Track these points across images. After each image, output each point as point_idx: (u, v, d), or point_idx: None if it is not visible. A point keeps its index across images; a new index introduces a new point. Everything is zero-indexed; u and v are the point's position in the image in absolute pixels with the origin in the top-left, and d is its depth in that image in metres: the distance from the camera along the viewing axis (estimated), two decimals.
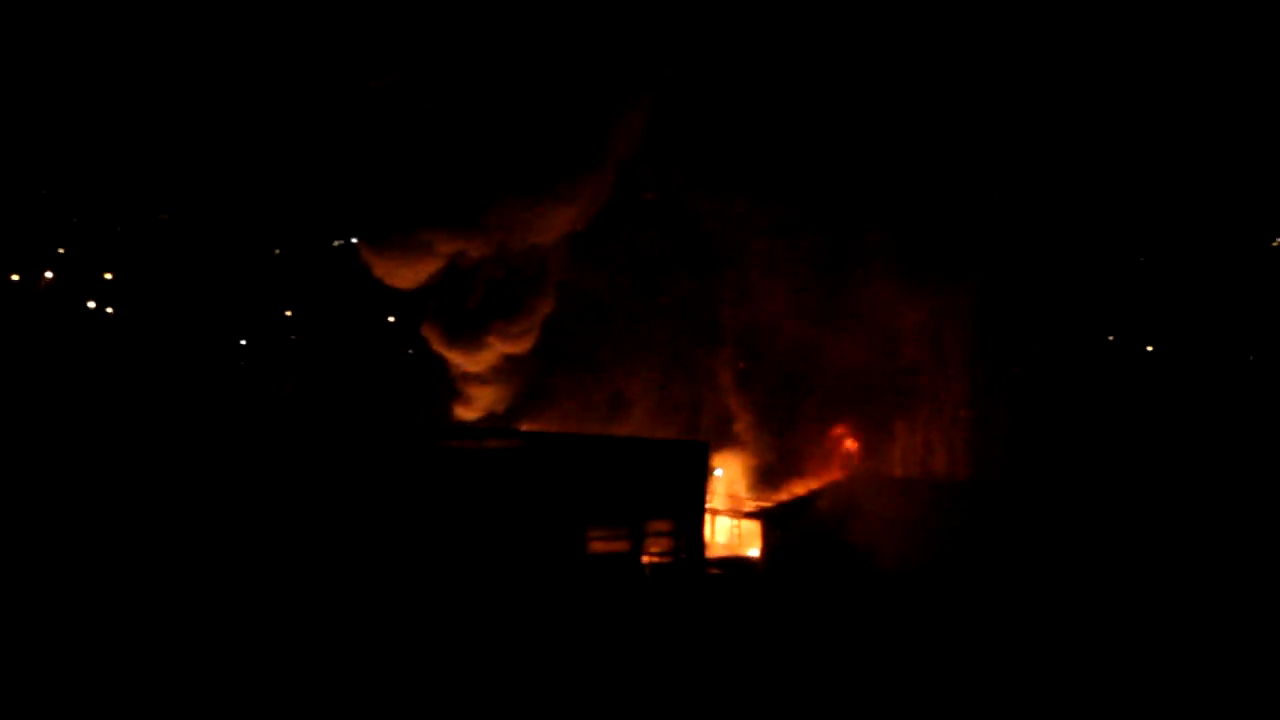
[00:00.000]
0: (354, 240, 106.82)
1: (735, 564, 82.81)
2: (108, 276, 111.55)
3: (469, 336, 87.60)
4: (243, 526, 70.00)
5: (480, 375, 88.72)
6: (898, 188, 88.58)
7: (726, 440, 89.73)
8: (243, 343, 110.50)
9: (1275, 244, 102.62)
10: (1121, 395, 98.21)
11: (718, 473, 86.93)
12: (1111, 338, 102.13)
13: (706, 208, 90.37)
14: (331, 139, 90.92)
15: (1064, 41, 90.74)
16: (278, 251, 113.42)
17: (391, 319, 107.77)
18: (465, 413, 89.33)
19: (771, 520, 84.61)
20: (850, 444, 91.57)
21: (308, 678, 62.16)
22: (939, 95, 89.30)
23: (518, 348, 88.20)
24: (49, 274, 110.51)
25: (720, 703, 62.80)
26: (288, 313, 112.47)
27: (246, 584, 67.80)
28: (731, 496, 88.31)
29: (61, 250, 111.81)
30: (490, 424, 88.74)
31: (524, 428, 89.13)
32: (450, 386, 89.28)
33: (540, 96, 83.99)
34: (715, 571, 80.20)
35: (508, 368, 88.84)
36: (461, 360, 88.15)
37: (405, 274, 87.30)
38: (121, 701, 59.59)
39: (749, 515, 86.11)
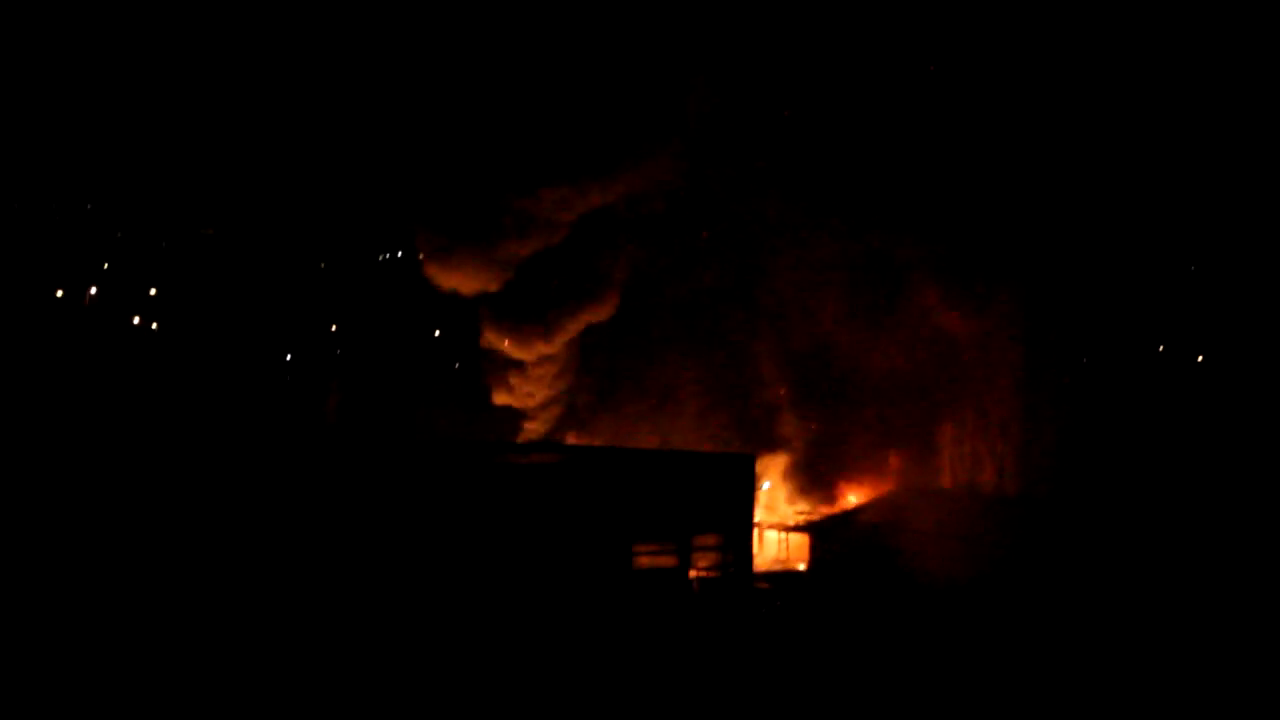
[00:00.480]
0: (400, 253, 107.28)
1: (783, 578, 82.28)
2: (152, 292, 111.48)
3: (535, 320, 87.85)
4: (286, 540, 69.78)
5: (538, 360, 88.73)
6: (946, 193, 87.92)
7: (774, 452, 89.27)
8: (288, 357, 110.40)
9: None
10: (1173, 406, 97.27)
11: (765, 486, 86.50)
12: (1162, 348, 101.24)
13: (752, 214, 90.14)
14: (378, 148, 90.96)
15: (1118, 47, 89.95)
16: (323, 265, 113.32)
17: (438, 333, 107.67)
18: (507, 399, 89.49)
19: (820, 533, 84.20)
20: (898, 457, 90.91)
21: (355, 689, 61.91)
22: (988, 100, 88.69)
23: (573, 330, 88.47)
24: (93, 290, 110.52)
25: (767, 715, 62.08)
26: (333, 326, 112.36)
27: (294, 596, 67.60)
28: (779, 510, 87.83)
29: (105, 266, 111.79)
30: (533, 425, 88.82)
31: (569, 440, 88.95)
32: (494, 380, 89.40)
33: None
34: (763, 585, 79.65)
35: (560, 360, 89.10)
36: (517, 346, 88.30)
37: (473, 282, 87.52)
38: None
39: (797, 529, 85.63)
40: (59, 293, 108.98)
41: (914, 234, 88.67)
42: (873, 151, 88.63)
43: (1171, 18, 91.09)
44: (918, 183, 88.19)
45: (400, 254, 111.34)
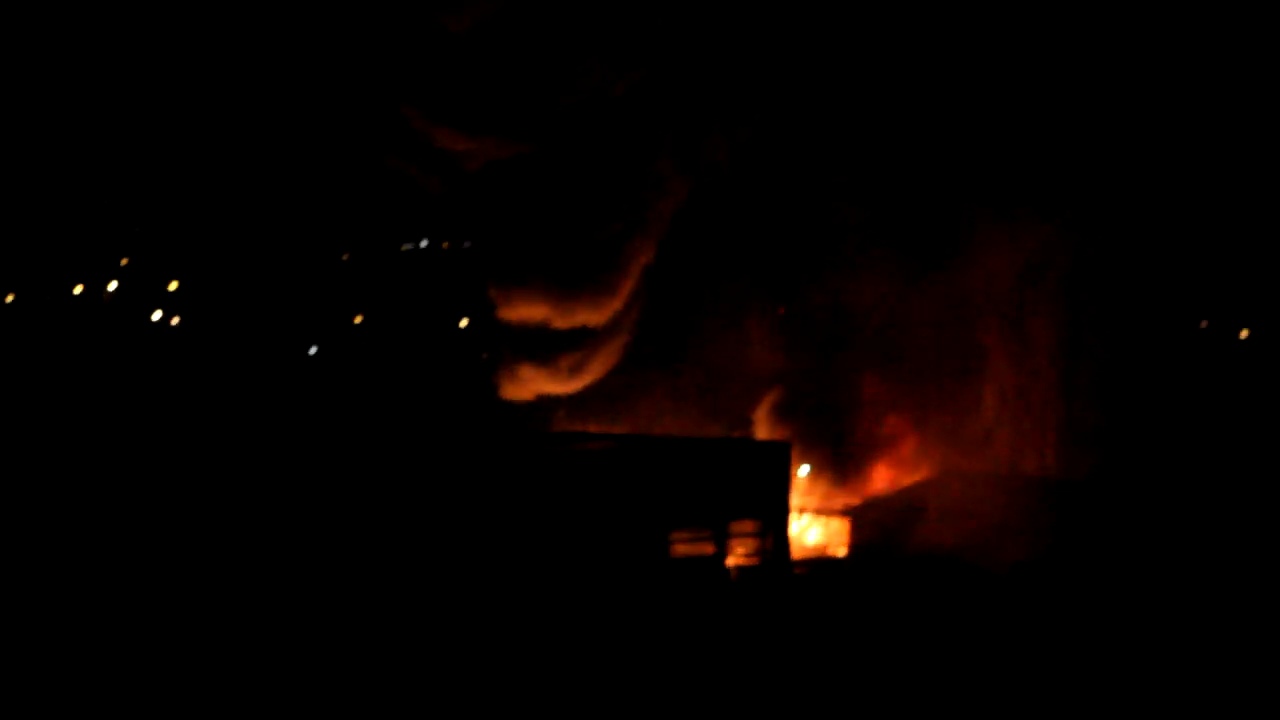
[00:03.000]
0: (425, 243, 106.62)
1: (822, 564, 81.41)
2: (172, 287, 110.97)
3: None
4: (326, 527, 70.20)
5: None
6: (986, 176, 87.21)
7: (812, 438, 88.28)
8: (312, 351, 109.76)
9: None
10: (1216, 384, 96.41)
11: (803, 471, 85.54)
12: (1205, 324, 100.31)
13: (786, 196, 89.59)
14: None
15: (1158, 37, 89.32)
16: (345, 257, 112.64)
17: (464, 322, 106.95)
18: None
19: (858, 519, 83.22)
20: (938, 440, 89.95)
21: (404, 665, 61.83)
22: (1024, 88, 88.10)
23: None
24: (113, 285, 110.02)
25: (807, 704, 61.13)
26: (357, 319, 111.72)
27: (337, 580, 68.09)
28: (818, 495, 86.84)
29: (125, 261, 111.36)
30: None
31: (604, 429, 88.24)
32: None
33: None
34: (801, 572, 78.70)
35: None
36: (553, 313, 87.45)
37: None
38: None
39: (835, 514, 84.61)
40: (78, 289, 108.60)
41: (953, 214, 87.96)
42: (905, 133, 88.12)
43: None
44: (954, 161, 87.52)
45: (424, 244, 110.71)
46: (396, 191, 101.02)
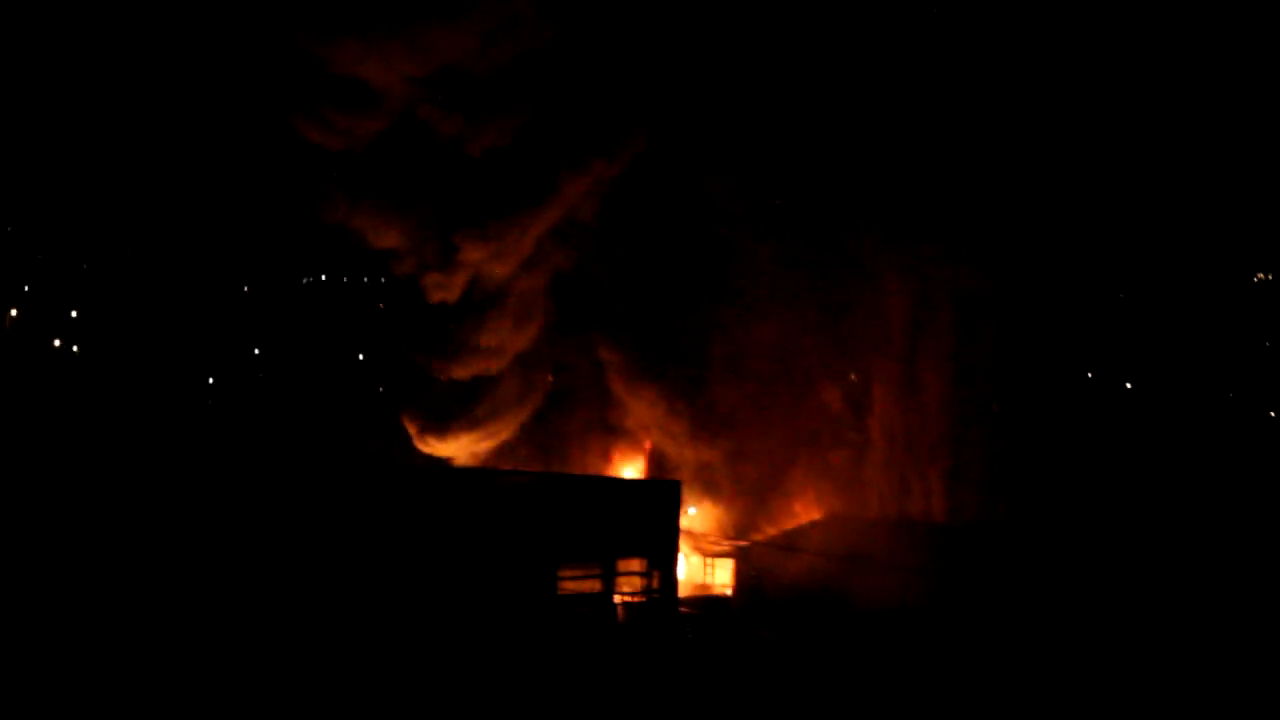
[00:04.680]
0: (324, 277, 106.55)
1: (708, 602, 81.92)
2: (74, 314, 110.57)
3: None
4: (214, 559, 69.32)
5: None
6: (880, 217, 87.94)
7: (699, 479, 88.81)
8: (210, 381, 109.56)
9: (1256, 279, 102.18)
10: (1101, 433, 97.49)
11: (690, 511, 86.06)
12: (1090, 374, 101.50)
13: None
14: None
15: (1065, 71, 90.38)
16: (245, 289, 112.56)
17: (361, 356, 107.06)
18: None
19: (745, 559, 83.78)
20: (826, 484, 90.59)
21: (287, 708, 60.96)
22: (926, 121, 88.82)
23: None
24: (13, 312, 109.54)
25: None
26: (255, 350, 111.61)
27: (220, 612, 66.94)
28: (704, 535, 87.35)
29: (26, 288, 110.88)
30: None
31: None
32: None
33: None
34: (687, 610, 79.18)
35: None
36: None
37: None
38: None
39: (722, 554, 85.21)
40: None
41: (847, 258, 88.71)
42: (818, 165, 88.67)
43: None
44: (853, 198, 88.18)
45: (324, 277, 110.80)
46: (297, 224, 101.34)
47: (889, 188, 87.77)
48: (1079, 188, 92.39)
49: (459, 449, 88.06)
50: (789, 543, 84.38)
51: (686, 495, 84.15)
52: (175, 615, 66.59)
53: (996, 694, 65.40)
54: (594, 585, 74.03)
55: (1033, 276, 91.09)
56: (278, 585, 68.65)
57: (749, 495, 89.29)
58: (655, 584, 75.52)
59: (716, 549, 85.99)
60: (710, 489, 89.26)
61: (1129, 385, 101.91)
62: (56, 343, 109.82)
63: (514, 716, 62.23)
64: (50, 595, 67.14)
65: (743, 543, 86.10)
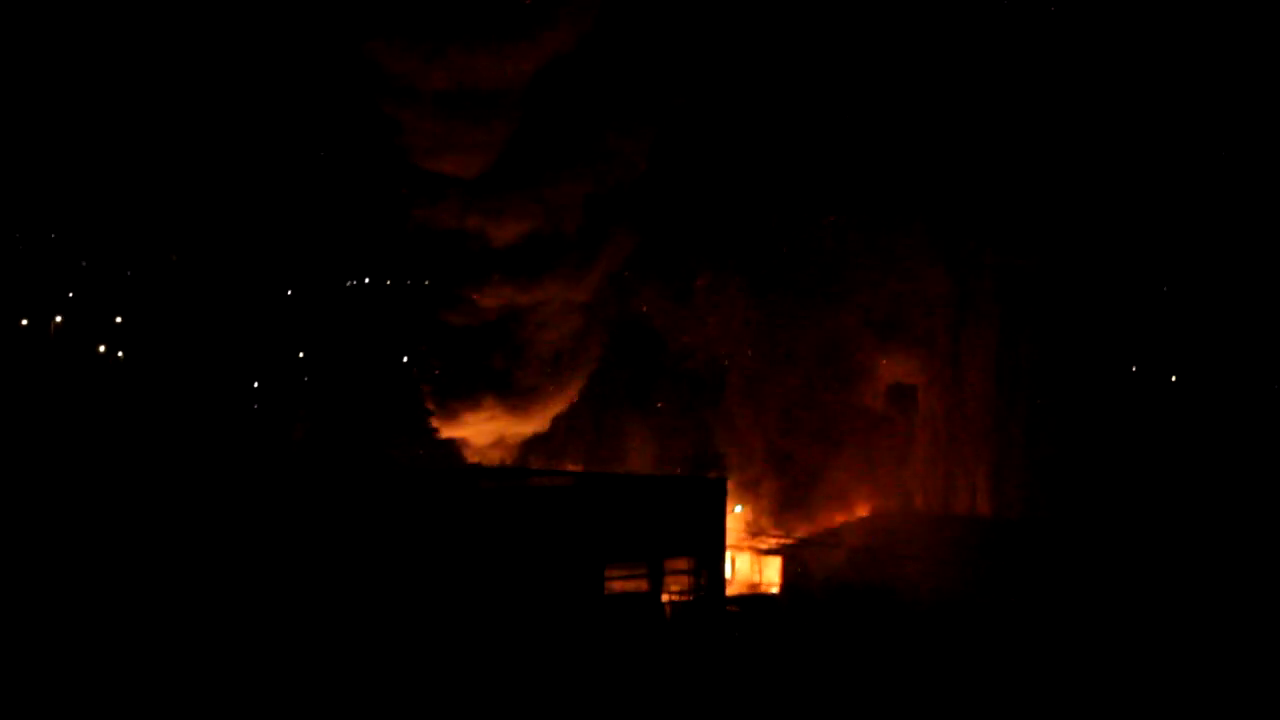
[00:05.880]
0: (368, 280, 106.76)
1: (756, 601, 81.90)
2: (118, 320, 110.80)
3: None
4: (262, 567, 69.30)
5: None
6: (918, 209, 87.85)
7: (747, 476, 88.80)
8: (255, 385, 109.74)
9: None
10: (1146, 427, 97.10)
11: (737, 509, 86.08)
12: (1135, 368, 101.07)
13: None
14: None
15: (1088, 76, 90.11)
16: (290, 292, 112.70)
17: (405, 359, 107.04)
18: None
19: (792, 556, 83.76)
20: (872, 481, 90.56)
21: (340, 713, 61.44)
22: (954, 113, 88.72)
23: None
24: (58, 318, 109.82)
25: None
26: (300, 354, 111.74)
27: (268, 622, 66.94)
28: (752, 533, 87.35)
29: (71, 294, 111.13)
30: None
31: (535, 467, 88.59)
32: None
33: None
34: (735, 609, 79.19)
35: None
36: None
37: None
38: None
39: (769, 552, 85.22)
40: (24, 321, 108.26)
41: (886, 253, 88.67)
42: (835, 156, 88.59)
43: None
44: (887, 190, 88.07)
45: (367, 280, 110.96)
46: (341, 228, 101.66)
47: (935, 183, 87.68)
48: (1125, 185, 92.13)
49: (482, 429, 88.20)
50: (835, 540, 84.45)
51: (732, 493, 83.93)
52: (215, 621, 66.78)
53: (1036, 690, 65.44)
54: (641, 585, 74.06)
55: (1078, 273, 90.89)
56: (326, 588, 68.59)
57: (795, 493, 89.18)
58: (703, 582, 75.59)
59: (764, 547, 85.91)
60: (756, 487, 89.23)
61: (1173, 380, 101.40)
62: (101, 348, 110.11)
63: (562, 717, 62.39)
64: (78, 599, 67.33)
65: (790, 540, 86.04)
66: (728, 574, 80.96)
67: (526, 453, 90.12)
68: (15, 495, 73.19)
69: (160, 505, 72.06)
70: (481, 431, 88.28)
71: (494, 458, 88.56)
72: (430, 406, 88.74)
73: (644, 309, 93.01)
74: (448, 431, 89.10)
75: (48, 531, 69.96)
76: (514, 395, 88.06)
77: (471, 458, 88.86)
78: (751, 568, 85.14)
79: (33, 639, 63.44)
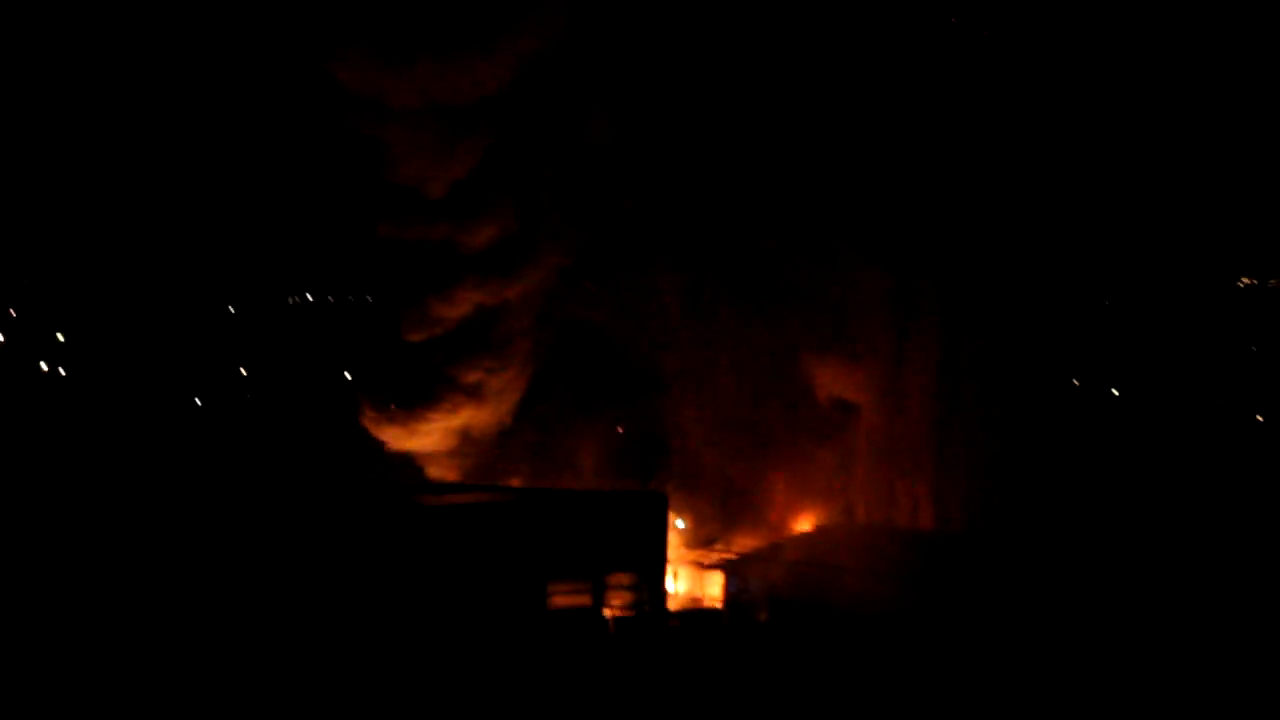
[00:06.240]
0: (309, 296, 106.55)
1: (698, 615, 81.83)
2: (60, 337, 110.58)
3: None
4: (195, 584, 69.17)
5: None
6: (859, 225, 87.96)
7: (687, 492, 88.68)
8: (197, 401, 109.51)
9: (1241, 284, 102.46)
10: (1088, 439, 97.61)
11: (679, 524, 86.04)
12: (1076, 381, 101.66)
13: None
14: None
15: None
16: (231, 309, 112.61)
17: (348, 375, 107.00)
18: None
19: (734, 571, 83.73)
20: (813, 495, 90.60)
21: None
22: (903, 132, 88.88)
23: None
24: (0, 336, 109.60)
25: None
26: (243, 370, 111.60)
27: (206, 638, 66.81)
28: (692, 548, 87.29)
29: (13, 312, 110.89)
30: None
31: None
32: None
33: None
34: (677, 624, 79.21)
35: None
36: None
37: None
38: None
39: (711, 566, 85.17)
40: None
41: (829, 272, 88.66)
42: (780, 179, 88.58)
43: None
44: (828, 208, 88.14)
45: (309, 297, 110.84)
46: (285, 242, 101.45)
47: (874, 193, 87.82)
48: (1064, 193, 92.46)
49: (426, 437, 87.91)
50: (777, 554, 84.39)
51: (674, 506, 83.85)
52: (152, 637, 66.72)
53: (982, 702, 65.66)
54: (584, 600, 74.46)
55: (1019, 283, 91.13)
56: (269, 604, 68.60)
57: (736, 506, 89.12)
58: (645, 597, 75.75)
59: (706, 561, 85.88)
60: (697, 500, 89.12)
61: (1115, 392, 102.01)
62: (43, 365, 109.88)
63: None
64: (55, 615, 67.33)
65: (731, 555, 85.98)
66: (670, 588, 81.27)
67: (476, 459, 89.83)
68: None
69: (97, 524, 72.12)
70: (434, 441, 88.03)
71: (448, 468, 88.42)
72: (375, 419, 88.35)
73: (594, 316, 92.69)
74: (399, 444, 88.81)
75: None
76: (473, 393, 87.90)
77: (430, 469, 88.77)
78: (693, 582, 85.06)
79: None
